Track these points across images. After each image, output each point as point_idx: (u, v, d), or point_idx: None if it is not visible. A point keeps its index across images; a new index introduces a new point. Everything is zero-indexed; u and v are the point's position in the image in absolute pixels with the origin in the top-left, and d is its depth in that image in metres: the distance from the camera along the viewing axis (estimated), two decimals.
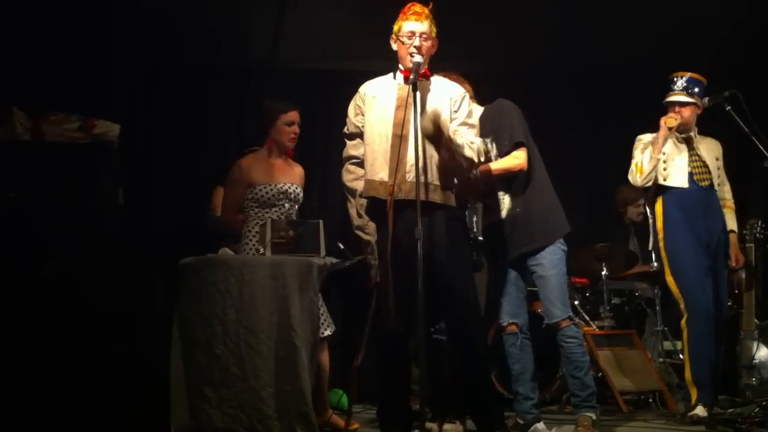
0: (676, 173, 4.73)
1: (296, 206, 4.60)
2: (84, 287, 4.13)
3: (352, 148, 4.09)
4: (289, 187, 4.54)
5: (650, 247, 4.99)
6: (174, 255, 4.11)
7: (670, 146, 4.79)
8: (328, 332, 4.44)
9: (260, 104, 4.70)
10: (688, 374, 4.65)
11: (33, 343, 3.92)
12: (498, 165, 4.24)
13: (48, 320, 3.97)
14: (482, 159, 3.92)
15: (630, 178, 4.80)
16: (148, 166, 6.05)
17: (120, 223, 4.49)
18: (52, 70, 5.12)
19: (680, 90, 4.78)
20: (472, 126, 3.97)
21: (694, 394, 4.62)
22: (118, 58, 5.75)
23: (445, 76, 4.15)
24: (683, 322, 4.68)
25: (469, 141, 3.84)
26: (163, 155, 6.19)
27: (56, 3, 5.15)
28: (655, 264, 5.18)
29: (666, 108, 4.81)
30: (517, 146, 4.21)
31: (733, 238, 4.87)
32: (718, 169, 4.85)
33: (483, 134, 4.29)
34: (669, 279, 4.73)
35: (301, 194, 4.62)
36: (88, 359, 3.94)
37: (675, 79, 4.80)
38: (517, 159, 4.20)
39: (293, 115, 4.59)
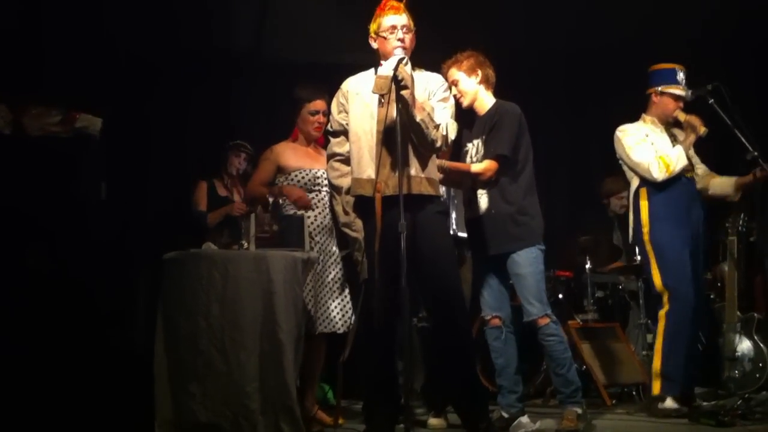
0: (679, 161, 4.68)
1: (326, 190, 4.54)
2: (67, 280, 4.11)
3: (336, 145, 4.06)
4: (323, 174, 4.47)
5: (630, 241, 4.96)
6: (159, 250, 4.08)
7: (657, 138, 4.79)
8: (342, 329, 4.46)
9: (290, 92, 4.65)
10: (657, 365, 4.60)
11: (14, 338, 3.90)
12: (466, 167, 4.26)
13: (31, 311, 3.95)
14: (444, 146, 3.89)
15: (655, 173, 4.64)
16: (132, 160, 6.00)
17: (103, 217, 4.47)
18: (37, 60, 5.08)
19: (684, 86, 4.78)
20: (446, 107, 3.93)
21: (656, 386, 4.59)
22: (104, 49, 5.72)
23: (470, 56, 4.28)
24: (663, 312, 4.63)
25: (435, 123, 3.82)
26: (148, 148, 6.15)
27: None
28: (639, 257, 5.19)
29: (656, 95, 4.80)
30: (497, 158, 4.21)
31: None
32: (693, 157, 4.84)
33: (479, 131, 4.30)
34: (654, 271, 4.68)
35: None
36: (71, 356, 3.92)
37: (677, 71, 4.79)
38: (487, 170, 4.20)
39: (318, 104, 4.54)
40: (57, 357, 3.94)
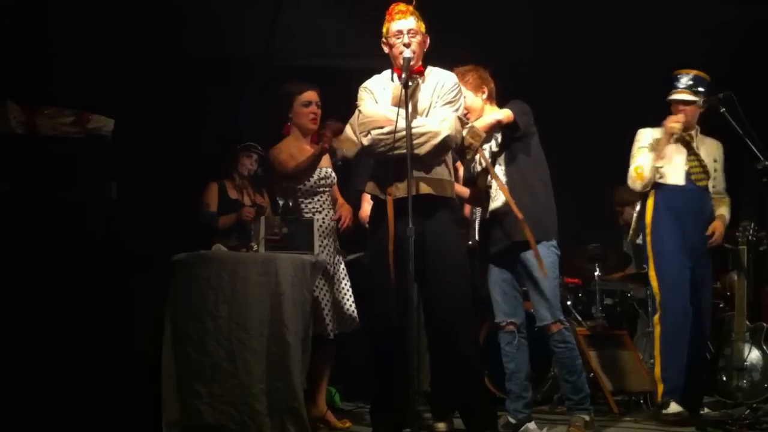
0: (672, 172, 4.69)
1: (330, 190, 4.52)
2: (74, 281, 4.12)
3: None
4: (326, 172, 4.46)
5: (629, 239, 4.97)
6: (166, 250, 4.10)
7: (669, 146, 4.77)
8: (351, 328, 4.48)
9: (278, 90, 4.54)
10: (657, 370, 4.63)
11: (21, 337, 3.91)
12: (483, 121, 4.21)
13: (37, 313, 3.96)
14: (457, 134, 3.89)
15: (630, 183, 4.74)
16: (143, 160, 6.04)
17: (113, 217, 4.48)
18: (47, 62, 5.11)
19: (684, 88, 4.73)
20: (452, 105, 3.90)
21: (660, 390, 4.60)
22: (115, 51, 5.75)
23: (475, 72, 4.27)
24: (656, 318, 4.65)
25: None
26: (157, 149, 6.18)
27: None
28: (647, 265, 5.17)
29: (669, 106, 4.75)
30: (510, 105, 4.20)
31: (720, 222, 4.76)
32: (715, 171, 4.80)
33: (489, 135, 4.29)
34: (651, 274, 4.71)
35: (334, 176, 4.53)
36: (78, 354, 3.93)
37: (679, 76, 4.75)
38: (505, 114, 4.16)
39: (310, 95, 4.45)
40: (61, 357, 3.94)
